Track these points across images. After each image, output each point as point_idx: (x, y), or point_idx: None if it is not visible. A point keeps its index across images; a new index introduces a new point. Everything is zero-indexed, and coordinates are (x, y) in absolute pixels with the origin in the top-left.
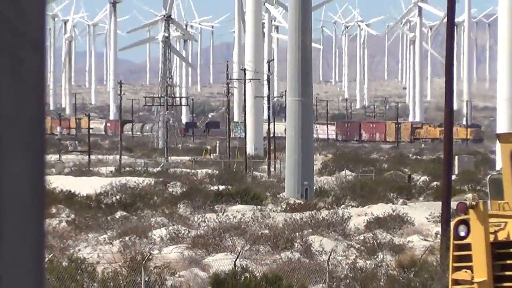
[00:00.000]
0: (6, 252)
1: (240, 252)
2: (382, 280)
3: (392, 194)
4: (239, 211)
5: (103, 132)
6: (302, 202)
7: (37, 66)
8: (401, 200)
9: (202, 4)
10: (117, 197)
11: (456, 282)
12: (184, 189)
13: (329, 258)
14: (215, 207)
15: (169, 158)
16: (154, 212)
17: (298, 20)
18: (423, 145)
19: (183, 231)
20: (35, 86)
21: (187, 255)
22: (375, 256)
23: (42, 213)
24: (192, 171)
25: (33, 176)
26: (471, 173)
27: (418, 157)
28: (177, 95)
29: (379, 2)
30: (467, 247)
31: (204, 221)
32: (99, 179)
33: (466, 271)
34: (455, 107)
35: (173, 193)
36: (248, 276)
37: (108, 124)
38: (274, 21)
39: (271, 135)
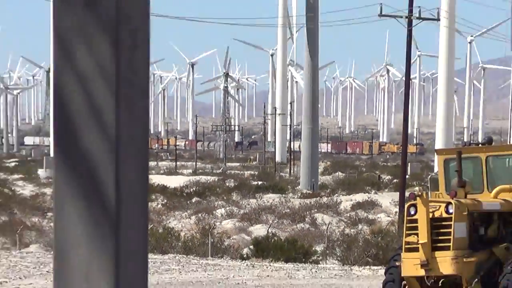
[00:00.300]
0: (124, 223)
1: (271, 224)
2: (361, 242)
3: (368, 187)
4: (270, 198)
5: (184, 147)
6: (311, 192)
7: (143, 106)
8: (373, 191)
9: (248, 65)
10: (193, 188)
11: (407, 243)
12: (236, 184)
13: (327, 228)
14: (255, 195)
15: (226, 164)
16: (217, 198)
17: (309, 76)
18: (387, 156)
19: (235, 210)
20: (142, 118)
21: (238, 225)
22: (357, 227)
23: (146, 199)
24: (241, 172)
25: (141, 176)
26: (418, 175)
27: (385, 164)
28: (232, 124)
29: (365, 63)
30: (415, 221)
31: (248, 204)
32: (182, 177)
33: (414, 236)
34: (408, 132)
35: (229, 186)
36: (276, 239)
37: (187, 142)
38: (295, 78)
39: (292, 149)
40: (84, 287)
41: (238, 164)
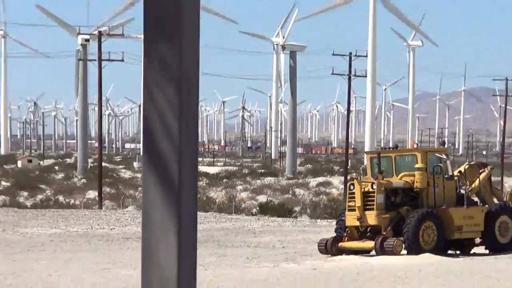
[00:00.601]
0: (183, 195)
1: (269, 194)
2: (322, 205)
3: (325, 173)
4: (269, 179)
5: (217, 150)
6: (292, 176)
7: (195, 126)
8: (329, 176)
9: (257, 102)
10: (224, 174)
11: (349, 206)
12: (249, 171)
13: (302, 197)
14: (260, 178)
15: (243, 160)
16: (237, 179)
17: (291, 109)
18: (336, 155)
19: (248, 186)
20: (194, 133)
21: (250, 195)
22: (319, 196)
23: (195, 180)
24: (252, 164)
25: (192, 166)
26: (354, 166)
27: (335, 159)
28: (246, 136)
29: (325, 100)
30: (353, 193)
31: (256, 183)
32: (217, 167)
33: (352, 202)
34: (349, 141)
35: (244, 172)
36: (272, 203)
37: (219, 147)
38: (283, 110)
39: (281, 151)
40: (159, 232)
41: (250, 159)
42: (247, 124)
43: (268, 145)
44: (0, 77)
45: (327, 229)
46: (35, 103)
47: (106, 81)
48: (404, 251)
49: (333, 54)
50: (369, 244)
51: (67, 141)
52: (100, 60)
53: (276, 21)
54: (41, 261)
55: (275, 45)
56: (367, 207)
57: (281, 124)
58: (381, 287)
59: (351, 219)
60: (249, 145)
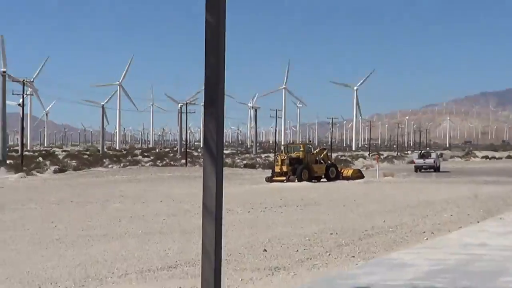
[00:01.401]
0: (217, 160)
1: (247, 160)
2: (266, 164)
3: (268, 152)
4: (248, 155)
5: (227, 145)
6: (256, 153)
7: (222, 137)
8: (269, 153)
9: (243, 127)
10: (239, 152)
11: (276, 164)
12: (239, 152)
13: (260, 161)
14: (244, 154)
15: (237, 148)
16: (235, 155)
17: (256, 130)
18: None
19: (239, 157)
20: (221, 138)
21: (240, 160)
22: (266, 160)
23: (221, 155)
24: (240, 149)
25: (221, 150)
26: (278, 149)
27: (271, 147)
28: (239, 139)
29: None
30: (278, 159)
31: (242, 156)
32: (228, 151)
33: (277, 162)
34: (278, 141)
35: (238, 152)
36: (248, 163)
37: (228, 143)
38: (252, 130)
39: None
40: (209, 174)
41: (240, 148)
42: (239, 135)
43: (246, 142)
44: (150, 119)
45: (267, 173)
46: (163, 129)
47: (189, 120)
48: (296, 181)
49: (270, 109)
50: (283, 178)
51: (174, 142)
52: (186, 113)
53: (250, 91)
54: (163, 185)
55: (250, 107)
56: (283, 164)
57: (251, 135)
58: (289, 192)
59: (277, 168)
60: (240, 142)
